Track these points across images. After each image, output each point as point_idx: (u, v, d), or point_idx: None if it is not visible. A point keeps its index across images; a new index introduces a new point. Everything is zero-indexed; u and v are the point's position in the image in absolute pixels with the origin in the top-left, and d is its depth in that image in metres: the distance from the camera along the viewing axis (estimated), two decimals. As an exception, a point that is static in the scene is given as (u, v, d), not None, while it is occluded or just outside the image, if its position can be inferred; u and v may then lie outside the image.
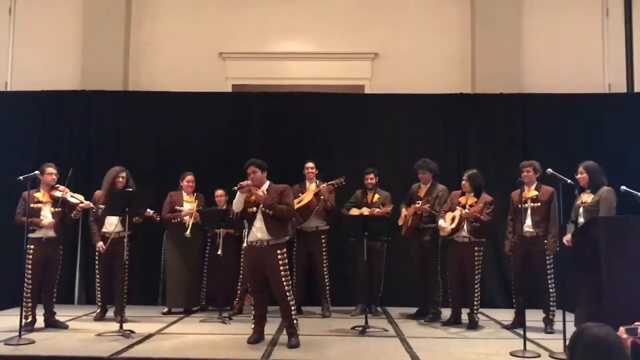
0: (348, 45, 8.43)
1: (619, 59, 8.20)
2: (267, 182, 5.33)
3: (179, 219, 6.70)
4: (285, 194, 5.29)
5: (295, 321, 5.13)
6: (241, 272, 6.75)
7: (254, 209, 5.17)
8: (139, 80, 8.38)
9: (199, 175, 6.96)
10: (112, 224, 6.16)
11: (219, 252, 6.29)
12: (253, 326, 5.24)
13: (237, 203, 5.19)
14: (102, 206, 6.02)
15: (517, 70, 8.12)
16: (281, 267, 5.08)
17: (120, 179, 6.21)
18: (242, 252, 6.63)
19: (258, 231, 5.13)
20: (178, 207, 6.74)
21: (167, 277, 6.83)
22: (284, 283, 5.07)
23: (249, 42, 8.47)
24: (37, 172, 5.60)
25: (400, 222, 6.55)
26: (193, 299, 6.87)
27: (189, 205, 6.76)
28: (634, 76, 8.14)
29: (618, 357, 1.99)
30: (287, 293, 5.09)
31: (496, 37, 8.10)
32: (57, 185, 5.82)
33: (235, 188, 5.14)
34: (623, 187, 5.37)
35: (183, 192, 6.84)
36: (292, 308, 5.14)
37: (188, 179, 6.82)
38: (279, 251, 5.09)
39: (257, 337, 5.19)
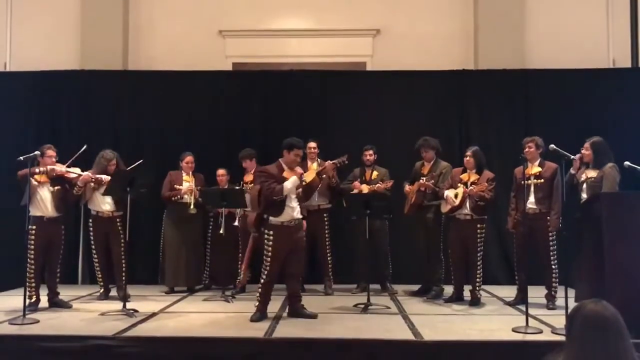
0: (349, 22, 8.33)
1: (624, 34, 8.07)
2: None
3: (178, 196, 6.70)
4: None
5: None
6: (239, 251, 6.77)
7: None
8: (138, 60, 8.31)
9: (199, 154, 6.94)
10: (106, 203, 6.19)
11: (222, 231, 6.32)
12: (257, 304, 5.27)
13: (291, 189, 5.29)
14: (97, 177, 6.02)
15: (520, 45, 8.02)
16: (305, 244, 5.49)
17: (112, 167, 6.21)
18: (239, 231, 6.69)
19: (294, 211, 5.29)
20: (177, 186, 6.73)
21: (166, 256, 6.83)
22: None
23: (248, 19, 8.37)
24: (37, 152, 5.59)
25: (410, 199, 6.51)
26: (194, 278, 6.89)
27: (187, 184, 6.75)
28: (639, 51, 8.02)
29: (615, 330, 1.99)
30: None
31: (499, 12, 7.98)
32: (53, 166, 5.80)
33: (305, 180, 5.35)
34: (627, 163, 5.34)
35: (182, 172, 6.83)
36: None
37: (187, 160, 6.80)
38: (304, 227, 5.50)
39: (260, 316, 5.22)
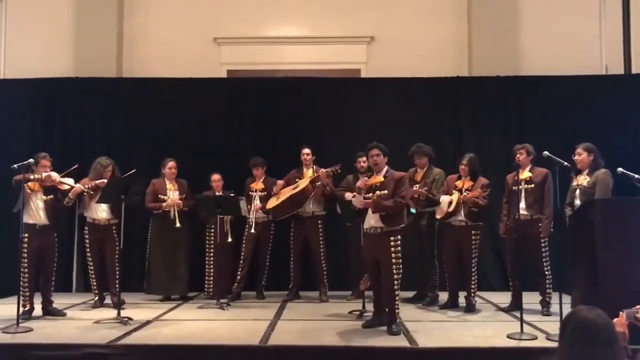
0: (343, 29, 8.37)
1: (616, 40, 8.14)
2: (386, 168, 5.33)
3: (160, 210, 6.63)
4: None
5: (397, 311, 5.10)
6: (242, 258, 6.76)
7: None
8: (132, 67, 8.31)
9: (194, 160, 6.93)
10: (103, 210, 6.19)
11: (229, 240, 6.41)
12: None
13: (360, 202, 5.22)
14: (93, 183, 6.02)
15: (513, 52, 8.06)
16: (393, 255, 5.03)
17: (108, 173, 6.22)
18: (244, 237, 6.69)
19: (372, 219, 5.13)
20: (162, 196, 6.66)
21: (152, 265, 6.77)
22: (394, 271, 5.02)
23: (243, 27, 8.39)
24: (31, 160, 5.58)
25: None
26: (181, 287, 6.81)
27: (171, 195, 6.68)
28: (631, 57, 8.08)
29: (605, 340, 2.00)
30: (395, 282, 5.03)
31: (492, 19, 8.03)
32: (49, 173, 5.80)
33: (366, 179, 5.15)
34: (620, 169, 5.36)
35: (166, 179, 6.77)
36: (396, 298, 5.08)
37: (170, 166, 6.73)
38: (392, 238, 5.04)
39: (371, 322, 5.21)
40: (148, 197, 6.69)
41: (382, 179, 5.24)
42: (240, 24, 8.39)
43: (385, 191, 5.14)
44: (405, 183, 5.25)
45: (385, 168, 5.34)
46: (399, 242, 5.07)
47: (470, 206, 5.88)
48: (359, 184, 5.56)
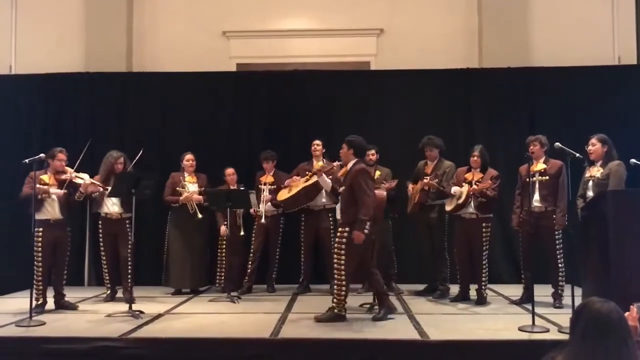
0: (353, 22, 8.33)
1: (629, 31, 8.04)
2: (353, 161, 5.34)
3: (178, 204, 6.66)
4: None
5: (335, 300, 5.22)
6: (252, 251, 6.78)
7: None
8: (142, 62, 8.33)
9: (203, 155, 6.94)
10: (115, 204, 6.22)
11: (242, 233, 6.46)
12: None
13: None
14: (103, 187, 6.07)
15: (524, 43, 7.99)
16: (336, 245, 5.21)
17: (119, 165, 6.24)
18: (254, 230, 6.75)
19: (338, 210, 5.50)
20: (179, 188, 6.69)
21: (171, 258, 6.79)
22: (335, 259, 5.20)
23: (252, 20, 8.38)
24: (42, 155, 5.59)
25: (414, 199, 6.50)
26: (198, 280, 6.84)
27: (191, 186, 6.72)
28: (645, 48, 7.99)
29: (619, 334, 1.97)
30: (336, 270, 5.18)
31: (503, 10, 7.96)
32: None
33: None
34: (633, 160, 5.32)
35: (185, 172, 6.80)
36: (340, 287, 5.18)
37: (188, 158, 6.77)
38: (340, 229, 5.22)
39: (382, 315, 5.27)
40: (167, 190, 6.73)
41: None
42: (249, 17, 8.38)
43: (343, 187, 5.29)
44: (359, 178, 5.17)
45: (353, 161, 5.32)
46: (345, 233, 5.12)
47: (477, 196, 5.84)
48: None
